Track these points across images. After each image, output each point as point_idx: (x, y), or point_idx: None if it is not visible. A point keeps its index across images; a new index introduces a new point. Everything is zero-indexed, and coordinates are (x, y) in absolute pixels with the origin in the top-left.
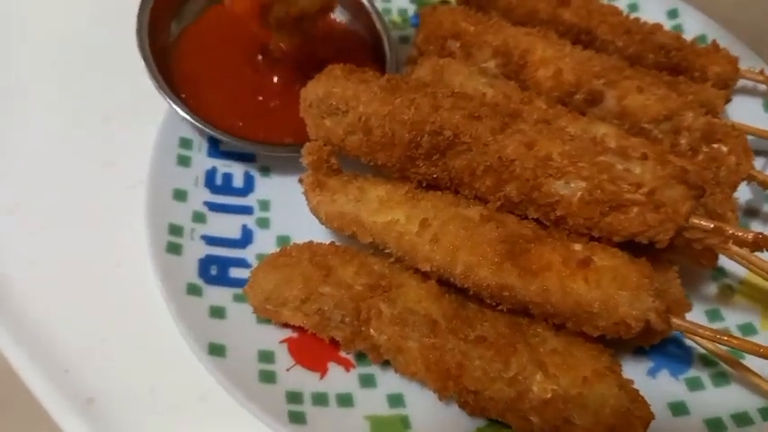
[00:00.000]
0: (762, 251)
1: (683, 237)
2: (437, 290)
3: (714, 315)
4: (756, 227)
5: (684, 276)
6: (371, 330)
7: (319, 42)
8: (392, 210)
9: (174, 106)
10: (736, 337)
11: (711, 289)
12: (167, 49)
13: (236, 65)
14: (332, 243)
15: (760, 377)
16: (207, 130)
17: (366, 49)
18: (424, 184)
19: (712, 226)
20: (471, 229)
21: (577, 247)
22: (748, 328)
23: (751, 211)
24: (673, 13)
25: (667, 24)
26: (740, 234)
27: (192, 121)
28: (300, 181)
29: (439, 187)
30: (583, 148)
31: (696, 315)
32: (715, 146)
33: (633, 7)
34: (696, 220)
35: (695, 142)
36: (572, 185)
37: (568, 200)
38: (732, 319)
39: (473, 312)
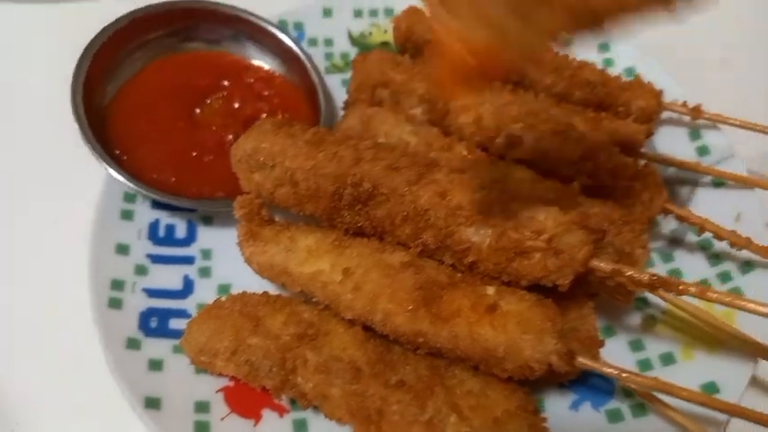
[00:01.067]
0: (656, 292)
1: (594, 275)
2: (362, 336)
3: (637, 345)
4: (681, 255)
5: (609, 307)
6: (298, 379)
7: (255, 96)
8: (319, 259)
9: (107, 167)
10: (637, 374)
11: (636, 319)
12: (105, 108)
13: (172, 121)
14: (265, 293)
15: (671, 408)
16: (137, 188)
17: (302, 98)
18: (351, 232)
19: (611, 269)
20: (391, 277)
21: (490, 290)
22: (668, 358)
23: (675, 241)
24: (604, 47)
25: (599, 57)
26: (637, 276)
27: (124, 180)
28: None
29: (366, 234)
30: (492, 196)
31: (620, 345)
32: (630, 183)
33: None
34: (596, 263)
35: (610, 180)
36: (481, 233)
37: (478, 246)
38: (653, 350)
39: (397, 356)
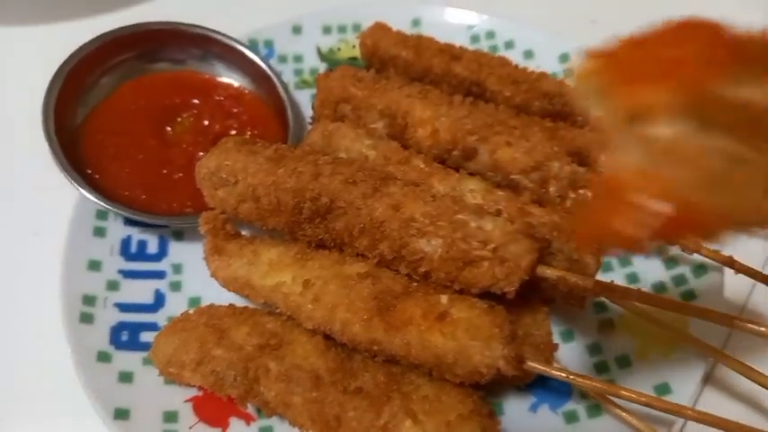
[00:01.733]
0: (599, 297)
1: (546, 283)
2: (323, 345)
3: (594, 349)
4: (638, 260)
5: (569, 313)
6: (261, 388)
7: (225, 114)
8: (281, 272)
9: (76, 186)
10: (584, 376)
11: (594, 324)
12: (77, 129)
13: (143, 140)
14: (230, 305)
15: (622, 408)
16: (108, 207)
17: (271, 114)
18: (312, 245)
19: (556, 276)
20: (349, 287)
21: (443, 299)
22: (624, 361)
23: None
24: (564, 57)
25: (560, 68)
26: (581, 283)
27: (93, 199)
28: None
29: (326, 247)
30: (443, 207)
31: (578, 349)
32: (581, 191)
33: (529, 54)
34: (542, 271)
35: (563, 190)
36: (433, 243)
37: (431, 257)
38: (610, 353)
39: (357, 364)
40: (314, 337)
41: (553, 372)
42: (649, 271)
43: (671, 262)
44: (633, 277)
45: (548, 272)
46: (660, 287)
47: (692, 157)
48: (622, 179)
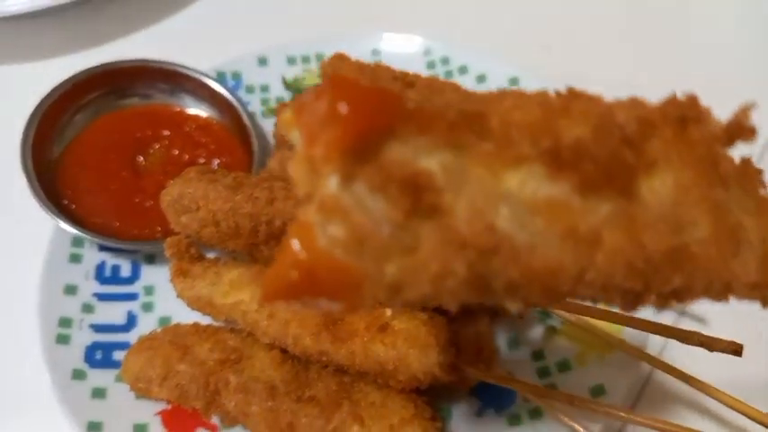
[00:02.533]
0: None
1: None
2: (280, 358)
3: (538, 355)
4: None
5: (514, 321)
6: (223, 399)
7: (193, 144)
8: (240, 291)
9: (53, 216)
10: (515, 379)
11: (538, 331)
12: (53, 163)
13: (116, 171)
14: (195, 323)
15: (559, 410)
16: (83, 234)
17: (237, 142)
18: (270, 265)
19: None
20: None
21: (388, 312)
22: (565, 365)
23: None
24: (513, 81)
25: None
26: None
27: (69, 228)
28: None
29: None
30: None
31: (524, 355)
32: None
33: (481, 78)
34: None
35: None
36: None
37: None
38: (552, 358)
39: (312, 374)
40: (271, 351)
41: (489, 378)
42: None
43: None
44: None
45: None
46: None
47: (349, 214)
48: (289, 231)
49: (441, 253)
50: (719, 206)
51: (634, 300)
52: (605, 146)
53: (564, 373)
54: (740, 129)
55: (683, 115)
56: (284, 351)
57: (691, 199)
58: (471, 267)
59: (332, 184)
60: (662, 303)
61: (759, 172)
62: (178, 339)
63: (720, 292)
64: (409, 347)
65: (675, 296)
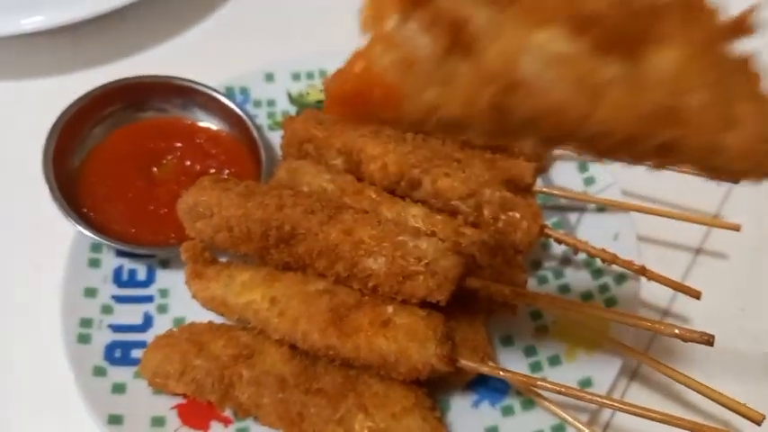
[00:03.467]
0: (517, 303)
1: (481, 293)
2: (289, 353)
3: (530, 351)
4: (570, 272)
5: (509, 321)
6: (236, 392)
7: (204, 155)
8: (252, 291)
9: (74, 223)
10: (504, 369)
11: (530, 329)
12: (74, 172)
13: (132, 180)
14: (209, 322)
15: (549, 400)
16: (102, 240)
17: (246, 154)
18: (280, 267)
19: (480, 285)
20: (309, 302)
21: (389, 309)
22: (555, 360)
23: (566, 260)
24: None
25: None
26: (500, 290)
27: (89, 234)
28: None
29: (291, 268)
30: (387, 231)
31: (516, 351)
32: (510, 214)
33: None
34: (470, 282)
35: (495, 212)
36: (378, 261)
37: (377, 273)
38: (543, 354)
39: (319, 368)
40: (281, 347)
41: (483, 369)
42: (580, 282)
43: (596, 273)
44: (565, 288)
45: (475, 283)
46: (587, 295)
47: (402, 45)
48: (354, 54)
49: (470, 83)
50: (719, 83)
51: (627, 147)
52: (620, 15)
53: (554, 368)
54: (743, 25)
55: (692, 2)
56: (293, 347)
57: (692, 71)
58: (494, 98)
59: (392, 22)
60: (654, 159)
61: (757, 73)
62: (194, 337)
63: (707, 155)
64: (409, 341)
65: (665, 152)
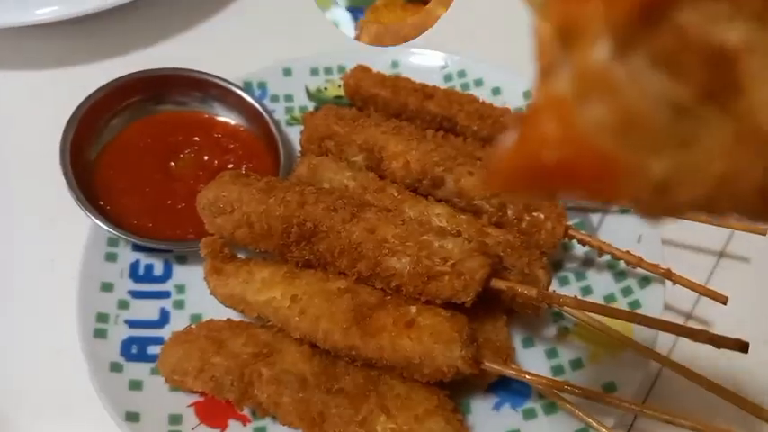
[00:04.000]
0: (547, 305)
1: (505, 294)
2: (309, 352)
3: (552, 353)
4: (592, 274)
5: (530, 323)
6: (255, 391)
7: (222, 149)
8: (271, 289)
9: (90, 216)
10: (533, 373)
11: (552, 331)
12: (91, 164)
13: (150, 174)
14: (228, 319)
15: (572, 403)
16: (119, 234)
17: (264, 149)
18: (300, 265)
19: (506, 286)
20: (331, 301)
21: (413, 309)
22: (577, 363)
23: (588, 262)
24: (527, 94)
25: (524, 103)
26: (526, 292)
27: (105, 227)
28: None
29: (312, 266)
30: (411, 230)
31: (538, 354)
32: (535, 214)
33: (496, 91)
34: (495, 283)
35: (519, 213)
36: (402, 261)
37: (401, 273)
38: (565, 356)
39: (340, 368)
40: (301, 345)
41: (508, 371)
42: (602, 284)
43: (619, 275)
44: (587, 289)
45: (500, 284)
46: (610, 298)
47: (620, 92)
48: (537, 105)
49: (732, 149)
50: None
51: None
52: None
53: (577, 371)
54: None
55: None
56: (314, 346)
57: None
58: None
59: (601, 51)
60: None
61: None
62: (213, 334)
63: None
64: (434, 342)
65: None
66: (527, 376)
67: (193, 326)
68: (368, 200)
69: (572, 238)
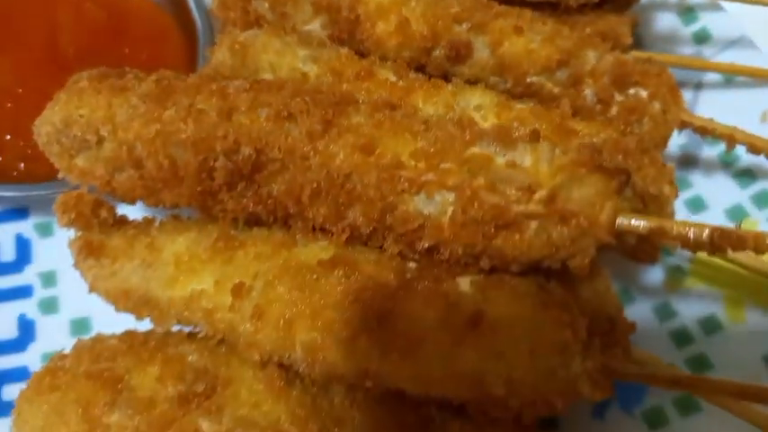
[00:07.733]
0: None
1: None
2: (280, 380)
3: (665, 312)
4: (699, 179)
5: (619, 264)
6: None
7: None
8: (194, 273)
9: None
10: (690, 377)
11: (658, 275)
12: None
13: None
14: (127, 332)
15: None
16: None
17: (172, 25)
18: (240, 223)
19: (650, 227)
20: (309, 286)
21: (464, 285)
22: (711, 324)
23: (688, 160)
24: None
25: None
26: (689, 233)
27: None
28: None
29: (263, 223)
30: (444, 138)
31: (642, 315)
32: (632, 91)
33: None
34: (626, 222)
35: (604, 91)
36: (437, 200)
37: (436, 222)
38: (688, 313)
39: (339, 399)
40: (264, 369)
41: (643, 378)
42: (719, 192)
43: (745, 176)
44: (696, 202)
45: (632, 222)
46: (737, 211)
47: None
48: None
49: None
50: None
51: None
52: None
53: (715, 337)
54: None
55: None
56: (282, 366)
57: None
58: None
59: None
60: None
61: None
62: (102, 366)
63: None
64: (529, 354)
65: None
66: (686, 380)
67: (68, 351)
68: (348, 92)
69: (686, 126)
